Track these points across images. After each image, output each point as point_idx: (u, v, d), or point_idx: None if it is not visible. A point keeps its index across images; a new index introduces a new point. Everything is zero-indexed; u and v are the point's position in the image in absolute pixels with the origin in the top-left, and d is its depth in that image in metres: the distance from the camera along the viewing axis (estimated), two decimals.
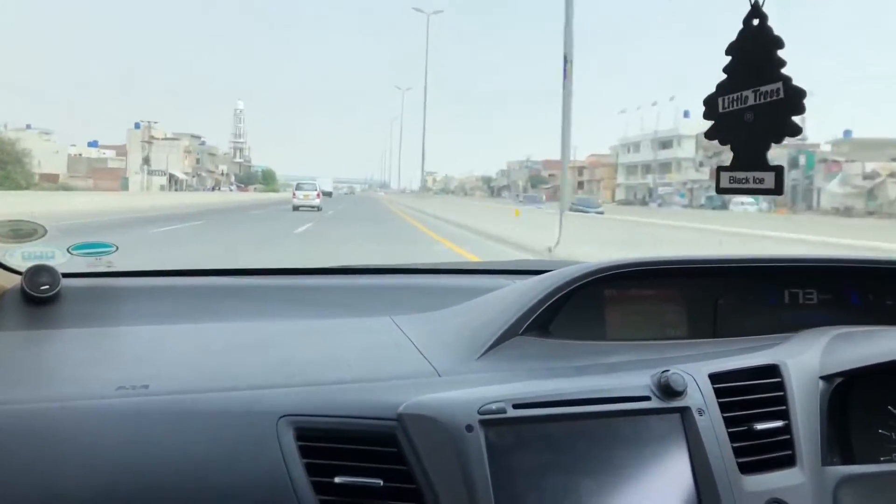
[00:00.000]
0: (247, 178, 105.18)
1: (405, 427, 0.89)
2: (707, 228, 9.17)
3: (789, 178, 52.30)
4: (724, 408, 0.98)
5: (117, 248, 1.45)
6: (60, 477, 0.84)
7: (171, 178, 75.89)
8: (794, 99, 0.95)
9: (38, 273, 1.30)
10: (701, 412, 0.95)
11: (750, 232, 8.42)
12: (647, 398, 0.95)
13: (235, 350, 1.17)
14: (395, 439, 0.89)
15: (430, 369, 1.05)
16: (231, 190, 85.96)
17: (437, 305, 1.37)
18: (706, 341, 1.22)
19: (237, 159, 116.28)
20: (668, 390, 0.95)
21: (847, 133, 53.31)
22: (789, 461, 0.97)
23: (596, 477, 0.89)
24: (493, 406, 0.90)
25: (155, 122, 77.62)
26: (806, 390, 1.04)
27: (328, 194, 66.75)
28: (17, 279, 1.33)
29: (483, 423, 0.89)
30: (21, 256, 1.32)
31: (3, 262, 1.34)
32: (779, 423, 0.99)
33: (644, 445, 0.93)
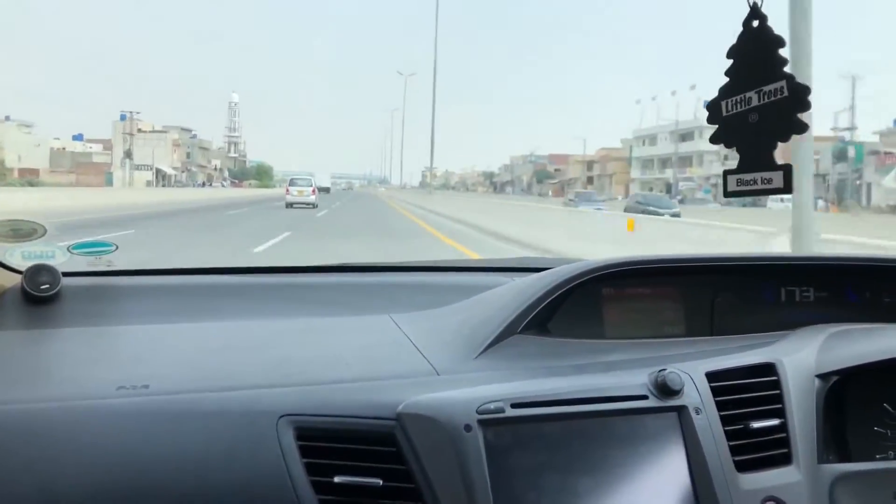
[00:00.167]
0: (241, 174, 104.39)
1: (404, 427, 0.93)
2: (763, 230, 7.95)
3: (835, 171, 50.73)
4: (720, 406, 1.02)
5: (117, 247, 1.50)
6: (60, 476, 0.87)
7: (158, 172, 74.87)
8: (799, 96, 0.99)
9: (39, 272, 1.35)
10: (698, 411, 1.00)
11: (844, 238, 7.10)
12: (644, 397, 0.99)
13: (235, 349, 1.22)
14: (394, 439, 0.93)
15: (428, 368, 1.09)
16: (223, 186, 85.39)
17: (435, 303, 1.42)
18: (703, 339, 1.27)
19: (232, 154, 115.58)
20: (665, 389, 0.99)
21: None
22: (786, 459, 1.02)
23: (594, 476, 0.93)
24: (492, 406, 0.94)
25: (137, 113, 76.61)
26: (802, 388, 1.08)
27: (325, 190, 65.25)
28: (17, 278, 1.37)
29: (481, 422, 0.92)
30: (21, 256, 1.37)
31: (4, 261, 1.39)
32: (775, 422, 1.04)
33: (641, 444, 0.97)
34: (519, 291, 1.28)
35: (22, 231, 1.37)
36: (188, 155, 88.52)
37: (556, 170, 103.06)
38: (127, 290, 1.48)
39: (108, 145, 77.48)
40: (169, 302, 1.46)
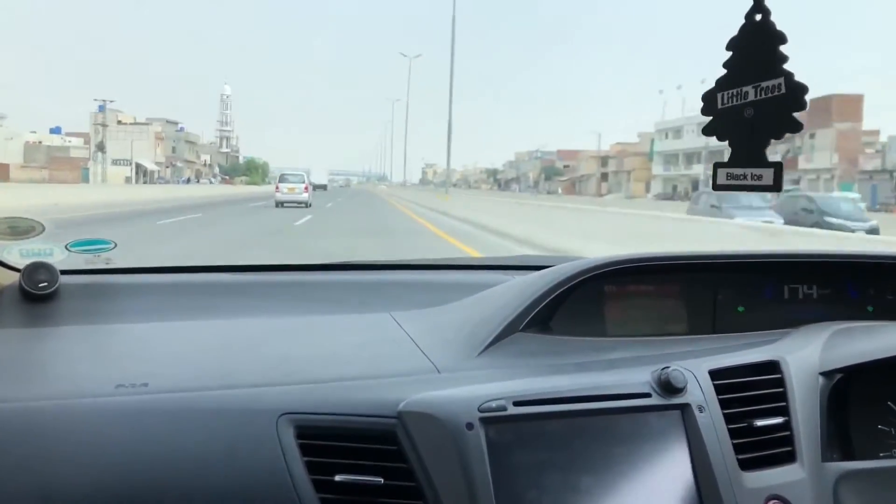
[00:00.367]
0: (233, 170, 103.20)
1: (405, 425, 0.97)
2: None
3: None
4: (724, 404, 1.07)
5: (115, 244, 1.57)
6: (59, 475, 0.91)
7: (139, 168, 73.80)
8: (796, 94, 1.06)
9: (37, 270, 1.41)
10: (701, 409, 1.04)
11: None
12: (647, 395, 1.04)
13: (235, 347, 1.28)
14: (395, 437, 0.97)
15: (429, 366, 1.15)
16: (211, 182, 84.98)
17: (436, 301, 1.48)
18: (706, 337, 1.33)
19: (224, 149, 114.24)
20: (668, 387, 1.04)
21: None
22: (789, 457, 1.07)
23: (596, 474, 0.98)
24: (494, 404, 0.98)
25: (111, 101, 74.94)
26: (806, 386, 1.13)
27: (323, 187, 64.05)
28: (15, 276, 1.44)
29: (483, 420, 0.97)
30: (19, 253, 1.44)
31: (2, 259, 1.45)
32: (779, 420, 1.09)
33: (644, 442, 1.01)
34: (520, 289, 1.34)
35: (20, 229, 1.44)
36: (173, 149, 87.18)
37: (565, 166, 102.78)
38: (125, 288, 1.55)
39: (88, 139, 76.82)
40: (168, 300, 1.53)
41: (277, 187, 28.16)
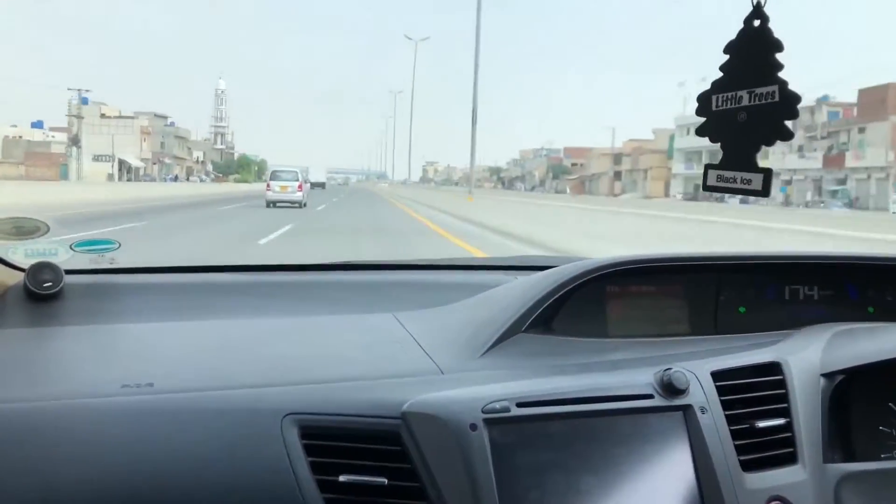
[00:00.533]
0: (227, 167, 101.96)
1: (409, 426, 1.02)
2: None
3: None
4: (726, 405, 1.12)
5: (120, 244, 1.64)
6: (64, 474, 0.95)
7: (122, 164, 71.67)
8: (789, 103, 1.12)
9: (41, 270, 1.48)
10: (703, 410, 1.09)
11: None
12: (649, 396, 1.09)
13: (239, 347, 1.34)
14: (399, 438, 1.02)
15: (433, 367, 1.20)
16: (201, 180, 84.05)
17: (439, 302, 1.55)
18: (708, 338, 1.39)
19: (218, 145, 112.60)
20: (670, 388, 1.09)
21: None
22: (791, 459, 1.12)
23: (599, 475, 1.02)
24: (497, 405, 1.03)
25: (88, 91, 72.25)
26: (807, 388, 1.19)
27: (321, 185, 62.08)
28: (19, 276, 1.51)
29: (487, 421, 1.01)
30: (24, 253, 1.51)
31: (6, 258, 1.52)
32: (780, 421, 1.14)
33: (647, 443, 1.06)
34: (523, 290, 1.40)
35: (25, 229, 1.51)
36: (162, 145, 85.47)
37: (572, 164, 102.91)
38: (130, 288, 1.62)
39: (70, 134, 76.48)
40: (172, 300, 1.60)
41: (268, 185, 26.61)
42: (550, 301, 1.35)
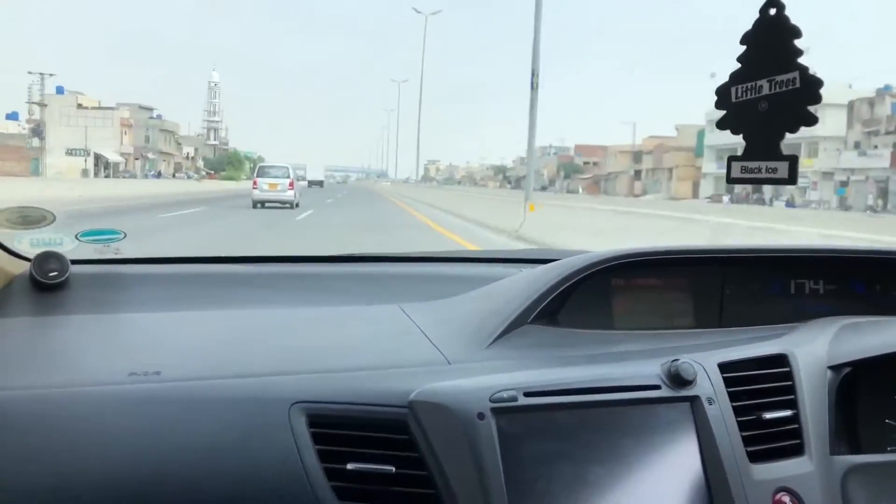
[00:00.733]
0: (219, 164, 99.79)
1: (416, 414, 1.06)
2: None
3: None
4: (733, 397, 1.16)
5: (125, 234, 1.69)
6: (71, 462, 0.98)
7: (98, 159, 67.51)
8: (811, 88, 1.16)
9: (47, 259, 1.53)
10: (710, 401, 1.13)
11: None
12: (657, 387, 1.13)
13: (245, 337, 1.38)
14: (406, 426, 1.05)
15: (439, 357, 1.24)
16: (189, 178, 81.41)
17: (444, 294, 1.60)
18: (714, 331, 1.44)
19: (211, 141, 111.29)
20: (677, 379, 1.13)
21: None
22: (797, 450, 1.16)
23: (606, 465, 1.06)
24: (505, 394, 1.06)
25: (51, 75, 68.12)
26: (814, 380, 1.23)
27: (318, 183, 61.86)
28: (25, 265, 1.55)
29: (494, 410, 1.05)
30: (30, 243, 1.55)
31: (12, 248, 1.57)
32: (787, 413, 1.18)
33: (654, 434, 1.10)
34: (529, 282, 1.45)
35: (31, 218, 1.55)
36: (146, 139, 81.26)
37: (585, 163, 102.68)
38: (135, 278, 1.67)
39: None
40: (177, 290, 1.65)
41: (255, 182, 24.11)
42: (556, 293, 1.39)
